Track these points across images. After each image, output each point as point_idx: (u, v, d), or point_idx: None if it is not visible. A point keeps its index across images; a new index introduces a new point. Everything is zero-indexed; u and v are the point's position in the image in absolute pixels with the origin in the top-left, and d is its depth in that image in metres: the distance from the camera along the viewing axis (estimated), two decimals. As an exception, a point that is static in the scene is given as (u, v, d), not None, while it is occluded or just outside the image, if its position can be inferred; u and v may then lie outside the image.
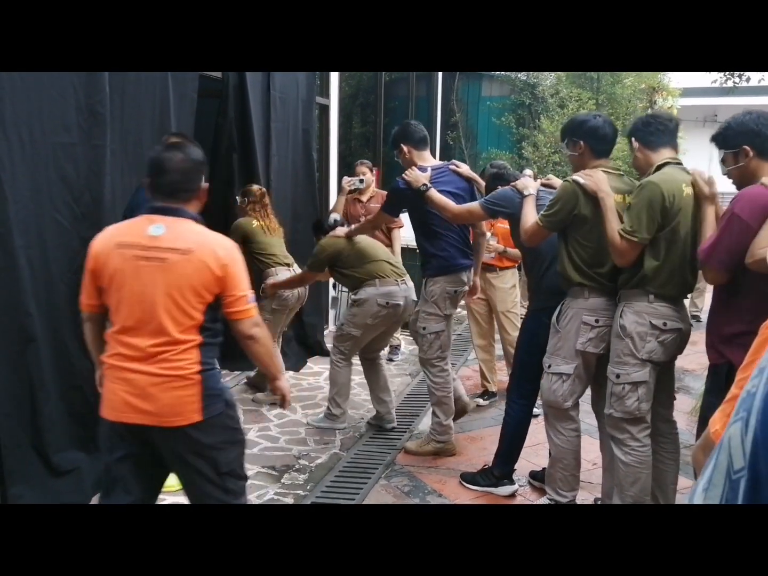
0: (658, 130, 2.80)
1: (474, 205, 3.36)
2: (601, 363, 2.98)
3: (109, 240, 2.14)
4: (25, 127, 2.84)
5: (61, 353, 3.12)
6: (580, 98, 11.04)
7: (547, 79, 11.69)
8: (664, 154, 2.78)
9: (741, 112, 2.59)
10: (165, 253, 2.07)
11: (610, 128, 2.94)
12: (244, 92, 4.48)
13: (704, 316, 6.58)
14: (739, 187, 2.60)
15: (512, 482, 3.46)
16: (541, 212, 2.95)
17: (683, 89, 13.83)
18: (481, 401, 4.73)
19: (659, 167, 2.75)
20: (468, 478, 3.52)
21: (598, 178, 2.79)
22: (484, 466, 3.54)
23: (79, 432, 3.22)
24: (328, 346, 5.77)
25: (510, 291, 4.79)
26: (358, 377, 5.14)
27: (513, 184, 3.23)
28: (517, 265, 4.79)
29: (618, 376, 2.78)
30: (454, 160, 3.83)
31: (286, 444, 3.95)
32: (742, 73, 10.88)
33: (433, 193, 3.44)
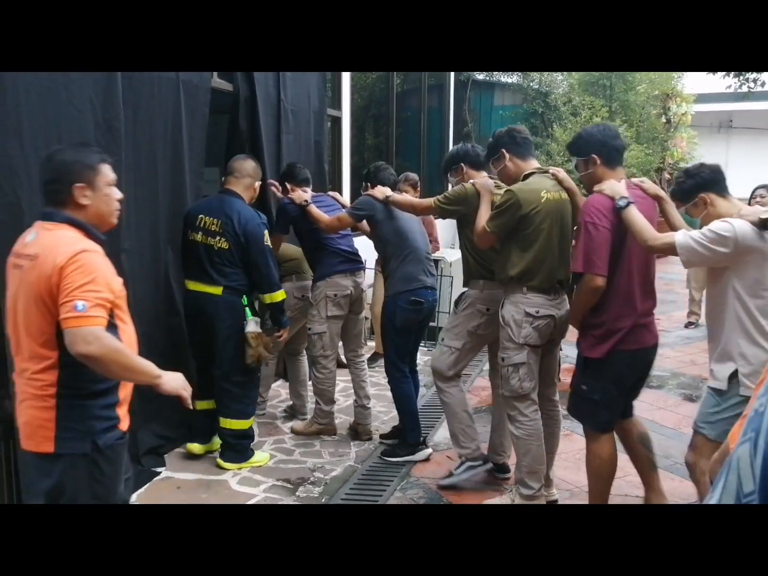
0: (525, 141, 3.22)
1: (342, 214, 3.94)
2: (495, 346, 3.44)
3: (12, 250, 2.02)
4: (42, 143, 2.88)
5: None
6: (593, 106, 11.00)
7: (560, 87, 11.68)
8: (532, 164, 3.20)
9: (592, 125, 3.02)
10: (23, 260, 1.93)
11: (477, 148, 3.60)
12: (254, 105, 4.51)
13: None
14: (588, 192, 2.93)
15: (426, 446, 3.89)
16: (440, 202, 3.47)
17: (697, 95, 13.75)
18: None
19: (526, 176, 3.15)
20: (388, 453, 3.88)
21: (485, 181, 3.39)
22: (398, 440, 3.96)
23: (95, 446, 3.23)
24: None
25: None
26: (372, 389, 5.13)
27: (369, 192, 3.85)
28: None
29: (503, 359, 3.17)
30: (332, 192, 4.70)
31: (301, 456, 3.94)
32: (757, 77, 10.80)
33: (312, 208, 3.98)
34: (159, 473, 3.60)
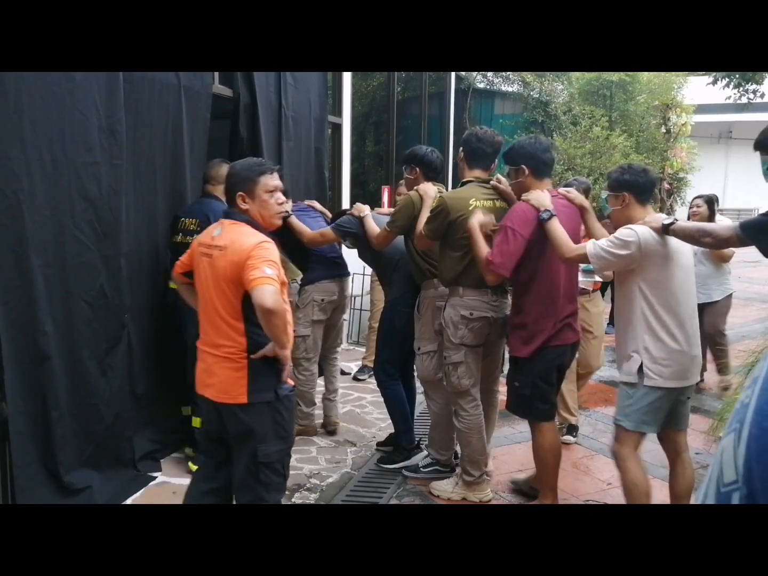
0: (477, 152, 3.35)
1: (326, 229, 4.01)
2: None
3: (197, 240, 2.56)
4: (45, 147, 2.89)
5: (78, 371, 3.14)
6: (593, 115, 11.04)
7: (560, 96, 11.71)
8: (473, 173, 3.36)
9: (525, 137, 3.25)
10: (214, 250, 2.41)
11: (439, 161, 3.74)
12: (255, 111, 4.52)
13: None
14: (518, 199, 3.16)
15: (420, 449, 3.95)
16: (393, 224, 3.62)
17: (697, 106, 13.79)
18: (571, 438, 4.29)
19: (463, 183, 3.38)
20: (385, 460, 3.93)
21: (427, 187, 3.57)
22: (391, 447, 4.00)
23: (92, 450, 3.23)
24: (342, 364, 5.79)
25: (601, 314, 4.42)
26: (369, 395, 5.13)
27: (350, 212, 3.97)
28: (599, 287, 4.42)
29: (445, 358, 3.40)
30: (310, 201, 4.61)
31: (297, 463, 3.93)
32: (756, 88, 10.84)
33: (293, 219, 4.04)
34: (155, 478, 3.59)
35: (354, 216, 3.89)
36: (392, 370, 3.91)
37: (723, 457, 0.62)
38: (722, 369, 5.37)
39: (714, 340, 5.37)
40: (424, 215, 3.42)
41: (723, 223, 4.57)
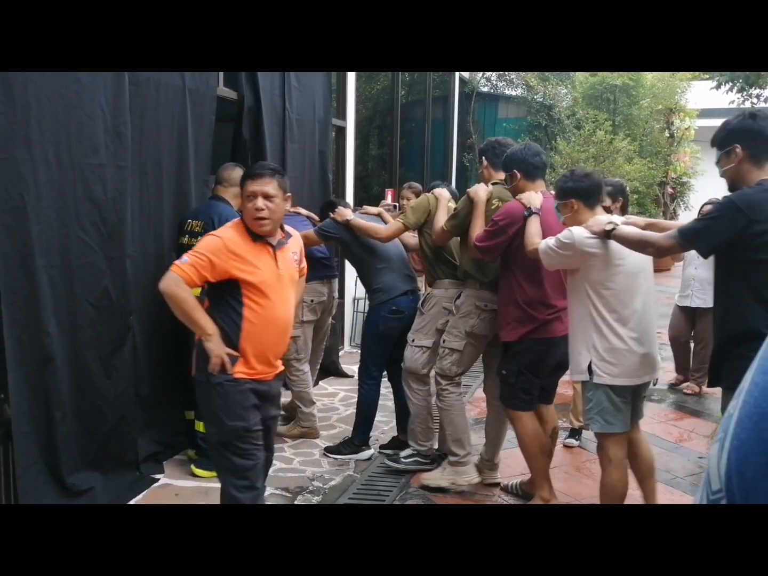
0: (501, 156, 3.47)
1: (309, 231, 4.04)
2: None
3: None
4: (51, 148, 2.90)
5: (82, 372, 3.15)
6: (597, 119, 11.05)
7: (564, 100, 11.73)
8: (499, 175, 3.51)
9: (517, 145, 3.50)
10: None
11: (450, 192, 3.94)
12: (259, 113, 4.53)
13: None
14: None
15: (369, 447, 4.07)
16: (403, 216, 3.87)
17: (701, 110, 13.79)
18: (573, 442, 4.25)
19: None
20: (332, 449, 4.07)
21: (441, 191, 3.81)
22: (344, 438, 4.11)
23: (95, 452, 3.23)
24: (345, 367, 5.79)
25: None
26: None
27: (332, 216, 3.94)
28: None
29: (444, 341, 3.53)
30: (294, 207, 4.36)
31: (300, 465, 3.93)
32: (760, 93, 10.84)
33: None
34: (158, 480, 3.59)
35: (337, 221, 3.89)
36: (375, 372, 4.00)
37: (710, 465, 0.64)
38: (696, 379, 5.36)
39: (699, 346, 5.37)
40: (440, 215, 3.62)
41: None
